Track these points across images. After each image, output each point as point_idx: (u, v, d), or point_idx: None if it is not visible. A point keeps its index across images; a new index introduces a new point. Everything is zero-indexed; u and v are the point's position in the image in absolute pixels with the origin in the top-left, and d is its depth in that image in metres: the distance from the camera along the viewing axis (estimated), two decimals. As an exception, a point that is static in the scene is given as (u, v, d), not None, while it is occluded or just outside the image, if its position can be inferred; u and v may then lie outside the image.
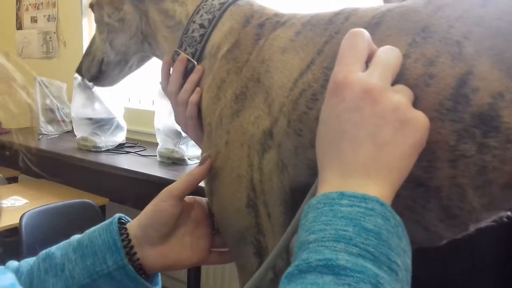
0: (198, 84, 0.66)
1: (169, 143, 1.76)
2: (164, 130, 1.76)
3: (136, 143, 2.08)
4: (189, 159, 1.73)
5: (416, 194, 0.49)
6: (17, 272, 0.58)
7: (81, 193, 1.88)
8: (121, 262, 0.56)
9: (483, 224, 0.51)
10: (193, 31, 0.67)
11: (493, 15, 0.47)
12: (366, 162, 0.42)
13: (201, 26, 0.67)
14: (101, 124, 2.01)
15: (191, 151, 1.75)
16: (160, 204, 0.59)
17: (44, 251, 0.59)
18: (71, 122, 2.23)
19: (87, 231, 0.59)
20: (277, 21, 0.62)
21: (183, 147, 1.73)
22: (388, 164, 0.42)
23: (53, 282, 0.56)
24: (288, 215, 0.57)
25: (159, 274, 0.61)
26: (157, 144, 1.81)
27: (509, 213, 0.52)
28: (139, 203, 1.65)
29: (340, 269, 0.36)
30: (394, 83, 0.46)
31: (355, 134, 0.43)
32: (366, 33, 0.47)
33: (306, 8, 0.68)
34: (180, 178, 0.61)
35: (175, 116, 0.74)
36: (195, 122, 0.68)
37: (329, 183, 0.43)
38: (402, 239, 0.40)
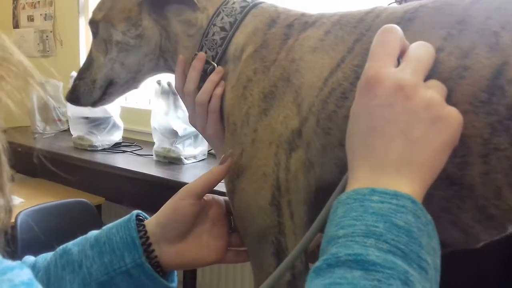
0: (219, 84, 0.66)
1: (165, 142, 1.75)
2: (160, 129, 1.75)
3: (132, 142, 2.08)
4: (185, 158, 1.73)
5: (451, 193, 0.48)
6: (33, 268, 0.57)
7: (77, 192, 1.87)
8: (139, 260, 0.56)
9: None
10: (213, 34, 0.67)
11: None
12: (397, 159, 0.42)
13: (222, 29, 0.67)
14: (97, 123, 2.01)
15: (188, 151, 1.75)
16: (179, 202, 0.59)
17: (61, 247, 0.58)
18: (67, 121, 2.22)
19: (104, 227, 0.59)
20: (305, 21, 0.62)
21: (179, 146, 1.73)
22: (420, 161, 0.42)
23: (70, 279, 0.56)
24: (311, 215, 0.57)
25: (175, 271, 0.61)
26: (153, 143, 1.81)
27: None
28: (135, 203, 1.65)
29: (369, 264, 0.36)
30: (427, 78, 0.45)
31: (387, 131, 0.43)
32: (398, 28, 0.46)
33: (320, 9, 0.67)
34: (200, 177, 0.61)
35: (190, 116, 0.73)
36: (218, 116, 0.68)
37: (360, 180, 0.43)
38: (432, 238, 0.40)
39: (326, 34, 0.58)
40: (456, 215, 0.49)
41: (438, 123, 0.42)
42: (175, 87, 0.73)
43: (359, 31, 0.55)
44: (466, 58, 0.47)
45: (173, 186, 1.51)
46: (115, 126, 2.04)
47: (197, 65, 0.68)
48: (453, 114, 0.43)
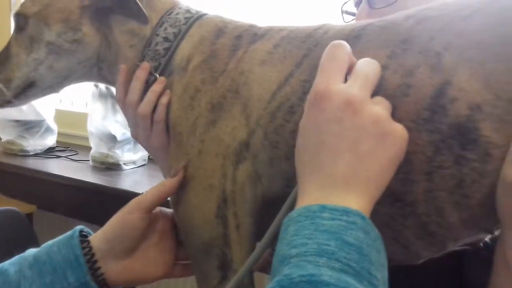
0: (164, 94, 0.64)
1: (103, 147, 1.69)
2: (97, 133, 1.69)
3: (67, 147, 2.00)
4: (124, 164, 1.67)
5: (394, 210, 0.49)
6: None
7: (5, 200, 1.77)
8: (83, 279, 0.53)
9: (461, 243, 0.51)
10: (156, 44, 0.65)
11: (475, 28, 0.47)
12: (346, 174, 0.42)
13: (166, 39, 0.65)
14: (29, 126, 1.91)
15: (127, 156, 1.69)
16: (127, 216, 0.58)
17: None
18: (-5, 124, 2.09)
19: (43, 245, 0.56)
20: (255, 33, 0.62)
21: (118, 151, 1.67)
22: (367, 176, 0.42)
23: None
24: (257, 227, 0.57)
25: None
26: (90, 148, 1.74)
27: (487, 239, 0.52)
28: (70, 211, 1.58)
29: (323, 285, 0.36)
30: (373, 94, 0.46)
31: (335, 146, 0.43)
32: (346, 45, 0.47)
33: (284, 20, 0.69)
34: (150, 189, 0.59)
35: (132, 129, 0.71)
36: (163, 126, 0.66)
37: (309, 196, 0.43)
38: (380, 253, 0.40)
39: (275, 48, 0.58)
40: (398, 231, 0.50)
41: (385, 138, 0.43)
42: (116, 98, 0.70)
43: (307, 46, 0.56)
44: (410, 77, 0.48)
45: (111, 193, 1.46)
46: (48, 129, 1.94)
47: (141, 75, 0.66)
48: (400, 130, 0.44)
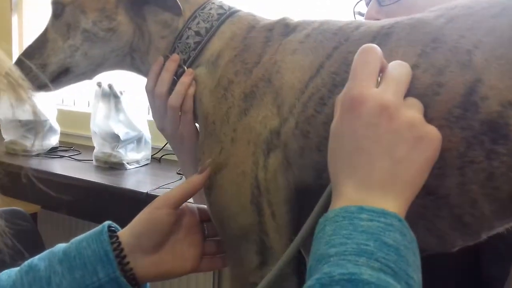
0: (191, 85, 0.65)
1: (106, 146, 1.69)
2: (101, 133, 1.69)
3: (70, 146, 2.00)
4: (128, 163, 1.67)
5: (428, 202, 0.50)
6: None
7: (10, 200, 1.77)
8: (113, 274, 0.53)
9: (494, 232, 0.52)
10: (187, 37, 0.66)
11: (505, 26, 0.48)
12: (382, 178, 0.43)
13: (197, 33, 0.66)
14: (31, 126, 1.91)
15: (130, 155, 1.69)
16: (155, 212, 0.58)
17: (26, 262, 0.55)
18: (-2, 124, 2.10)
19: (73, 240, 0.56)
20: (286, 24, 0.62)
21: (121, 151, 1.67)
22: (403, 179, 0.43)
23: None
24: (292, 215, 0.57)
25: (148, 284, 0.60)
26: (93, 148, 1.74)
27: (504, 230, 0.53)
28: (74, 210, 1.58)
29: (364, 283, 0.36)
30: (404, 96, 0.47)
31: (372, 150, 0.44)
32: (378, 48, 0.47)
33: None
34: (178, 186, 0.60)
35: (158, 120, 0.71)
36: (192, 116, 0.67)
37: (346, 198, 0.43)
38: (416, 255, 0.41)
39: (306, 37, 0.59)
40: (433, 222, 0.51)
41: (420, 142, 0.44)
42: (145, 88, 0.70)
43: (338, 39, 0.57)
44: (441, 75, 0.48)
45: (115, 193, 1.47)
46: (51, 129, 1.95)
47: (171, 67, 0.67)
48: (434, 132, 0.45)
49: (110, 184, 1.50)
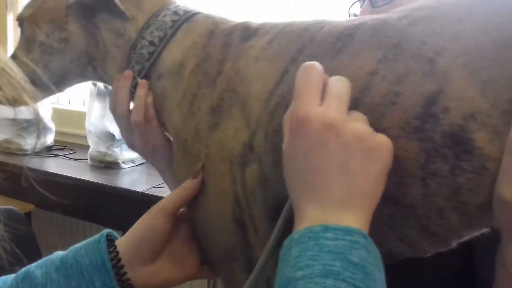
0: (147, 95, 0.64)
1: (101, 145, 1.69)
2: (96, 132, 1.69)
3: (65, 145, 1.98)
4: (123, 162, 1.67)
5: (394, 212, 0.49)
6: None
7: (3, 199, 1.76)
8: (110, 284, 0.53)
9: (465, 239, 0.50)
10: (141, 48, 0.65)
11: (470, 32, 0.45)
12: (341, 195, 0.43)
13: (151, 43, 0.64)
14: (26, 125, 1.89)
15: (126, 154, 1.69)
16: (152, 222, 0.57)
17: (23, 270, 0.54)
18: (-8, 123, 2.08)
19: (71, 248, 0.55)
20: (246, 27, 0.60)
21: (116, 150, 1.66)
22: (361, 192, 0.43)
23: None
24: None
25: None
26: (88, 147, 1.73)
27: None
28: (69, 210, 1.57)
29: None
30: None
31: (326, 169, 0.43)
32: (318, 65, 0.47)
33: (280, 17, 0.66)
34: (173, 193, 0.59)
35: (127, 138, 0.70)
36: (157, 123, 0.66)
37: (309, 219, 0.43)
38: (381, 271, 0.41)
39: (269, 43, 0.57)
40: (401, 231, 0.50)
41: (372, 153, 0.44)
42: (109, 109, 0.70)
43: (302, 40, 0.55)
44: (399, 84, 0.46)
45: (110, 192, 1.46)
46: (46, 128, 1.93)
47: (125, 84, 0.65)
48: (384, 141, 0.45)
49: (105, 183, 1.49)
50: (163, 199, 0.59)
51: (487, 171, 0.44)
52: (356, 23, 0.53)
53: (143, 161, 1.75)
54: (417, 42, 0.47)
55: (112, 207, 1.46)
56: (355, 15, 0.95)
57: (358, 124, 0.45)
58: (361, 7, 0.89)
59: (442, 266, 0.66)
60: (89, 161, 1.71)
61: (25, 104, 0.39)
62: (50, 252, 0.58)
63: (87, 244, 0.55)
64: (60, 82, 0.71)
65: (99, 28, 0.67)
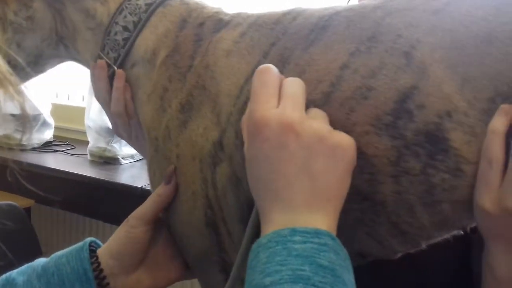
0: (125, 89, 0.62)
1: (100, 141, 1.68)
2: (95, 127, 1.68)
3: (64, 141, 1.98)
4: (122, 158, 1.67)
5: (365, 208, 0.48)
6: None
7: (3, 195, 1.76)
8: None
9: (435, 240, 0.49)
10: (115, 34, 0.62)
11: (446, 24, 0.44)
12: (305, 196, 0.42)
13: (125, 28, 0.62)
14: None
15: (125, 150, 1.69)
16: (132, 231, 0.56)
17: (4, 276, 0.53)
18: (-8, 118, 2.08)
19: (53, 256, 0.55)
20: (219, 19, 0.58)
21: (116, 145, 1.66)
22: (327, 193, 0.42)
23: None
24: None
25: None
26: (87, 142, 1.73)
27: (461, 232, 0.51)
28: (68, 205, 1.57)
29: None
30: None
31: (288, 171, 0.42)
32: (273, 68, 0.46)
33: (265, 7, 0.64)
34: (147, 201, 0.58)
35: (114, 128, 0.69)
36: (138, 119, 0.64)
37: (275, 223, 0.42)
38: (350, 273, 0.40)
39: (241, 36, 0.55)
40: (371, 227, 0.49)
41: (333, 151, 0.43)
42: (95, 97, 0.69)
43: (275, 34, 0.53)
44: (372, 78, 0.45)
45: (109, 188, 1.46)
46: (45, 124, 1.93)
47: (101, 75, 0.64)
48: (345, 139, 0.43)
49: (105, 179, 1.49)
50: (139, 207, 0.58)
51: (463, 173, 0.43)
52: (330, 12, 0.51)
53: (142, 156, 1.75)
54: (392, 35, 0.45)
55: (112, 202, 1.46)
56: None
57: (317, 122, 0.44)
58: None
59: (442, 266, 0.65)
60: (88, 157, 1.71)
61: (11, 97, 0.37)
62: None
63: (69, 252, 0.55)
64: (37, 62, 0.69)
65: (65, 5, 0.65)
